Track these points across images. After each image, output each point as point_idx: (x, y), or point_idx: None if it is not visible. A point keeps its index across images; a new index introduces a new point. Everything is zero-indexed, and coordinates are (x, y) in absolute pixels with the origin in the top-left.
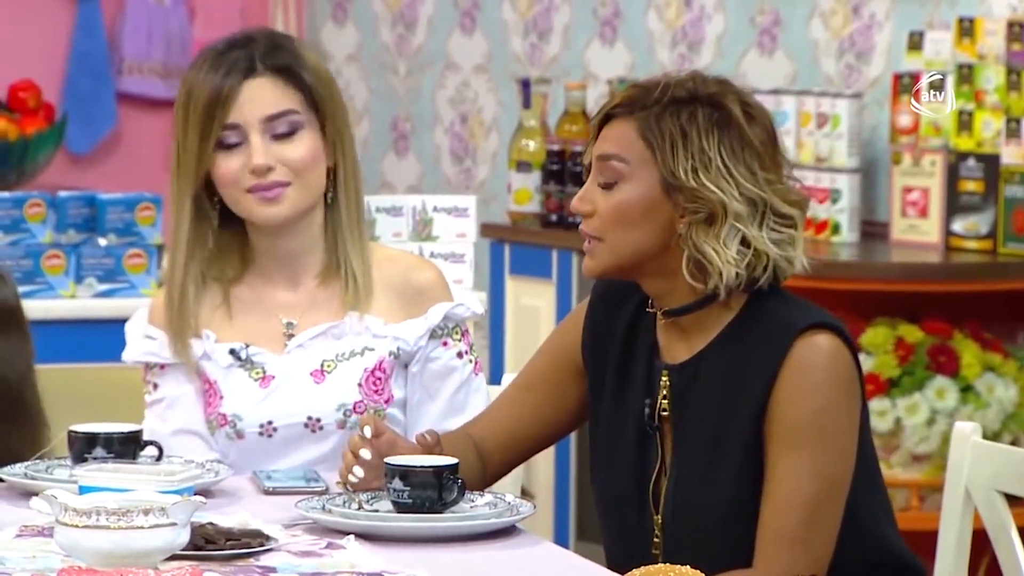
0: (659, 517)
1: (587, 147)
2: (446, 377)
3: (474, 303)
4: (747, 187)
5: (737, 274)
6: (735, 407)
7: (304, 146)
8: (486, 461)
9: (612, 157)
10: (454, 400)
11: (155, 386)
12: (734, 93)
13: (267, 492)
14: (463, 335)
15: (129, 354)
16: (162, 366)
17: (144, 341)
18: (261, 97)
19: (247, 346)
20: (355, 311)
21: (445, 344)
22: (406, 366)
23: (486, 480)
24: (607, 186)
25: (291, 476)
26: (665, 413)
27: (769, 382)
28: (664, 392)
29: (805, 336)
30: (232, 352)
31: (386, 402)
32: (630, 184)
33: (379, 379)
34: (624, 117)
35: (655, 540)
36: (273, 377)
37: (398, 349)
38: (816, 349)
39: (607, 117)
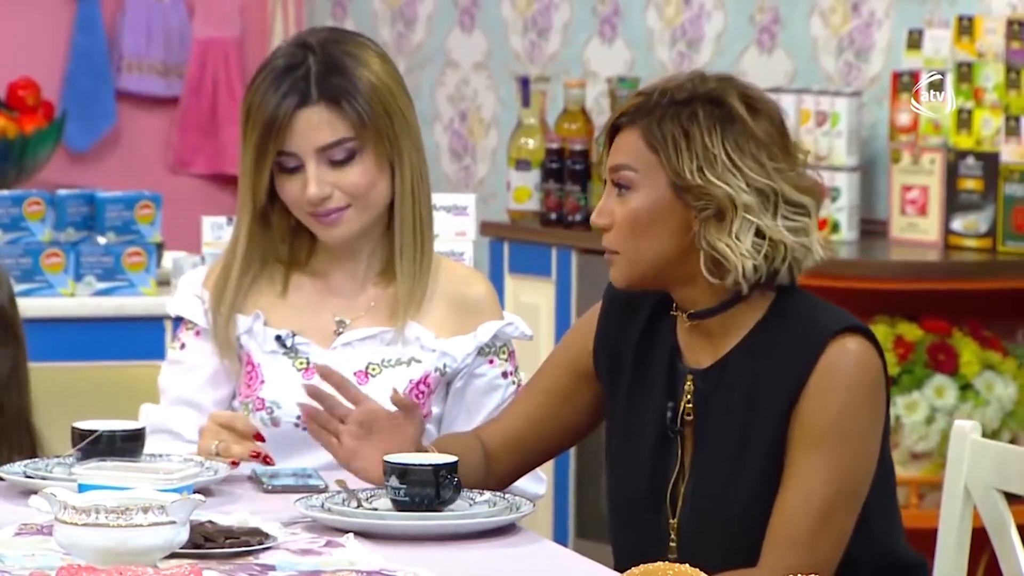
0: (675, 520)
1: (600, 160)
2: (488, 394)
3: (523, 325)
4: (755, 178)
5: (755, 266)
6: (761, 411)
7: (359, 172)
8: (493, 462)
9: (622, 167)
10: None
11: (183, 345)
12: (736, 88)
13: (266, 490)
14: (510, 356)
15: (173, 305)
16: (197, 332)
17: (192, 299)
18: (315, 126)
19: (294, 335)
20: (406, 320)
21: (491, 362)
22: (449, 384)
23: (491, 482)
24: (621, 196)
25: (290, 474)
26: (689, 417)
27: (799, 386)
28: (688, 396)
29: (837, 340)
30: (278, 339)
31: (424, 416)
32: (641, 192)
33: (422, 392)
34: (629, 126)
35: (671, 544)
36: None
37: (444, 366)
38: (847, 353)
39: (615, 128)
